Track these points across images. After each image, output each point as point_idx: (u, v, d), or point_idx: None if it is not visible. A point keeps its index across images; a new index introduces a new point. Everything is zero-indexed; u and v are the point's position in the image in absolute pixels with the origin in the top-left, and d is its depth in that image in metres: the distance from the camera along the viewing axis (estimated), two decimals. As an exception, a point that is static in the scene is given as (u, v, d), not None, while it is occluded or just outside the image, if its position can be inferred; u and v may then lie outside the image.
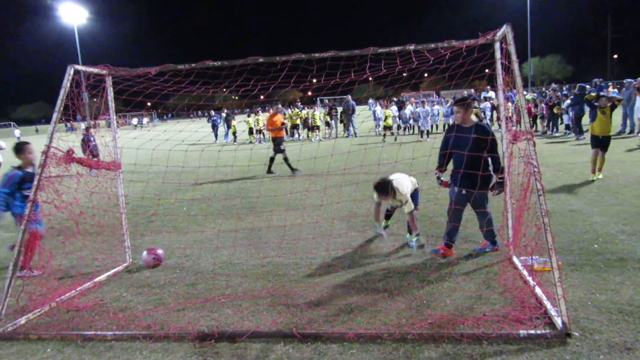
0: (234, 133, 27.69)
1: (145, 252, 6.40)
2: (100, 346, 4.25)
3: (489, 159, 5.82)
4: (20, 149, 6.46)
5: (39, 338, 4.48)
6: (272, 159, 14.09)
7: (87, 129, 15.22)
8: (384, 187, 6.18)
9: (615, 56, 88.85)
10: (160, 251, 6.48)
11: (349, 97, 25.43)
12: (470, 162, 5.67)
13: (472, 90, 26.97)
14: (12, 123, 75.10)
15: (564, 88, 24.73)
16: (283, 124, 14.76)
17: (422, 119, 22.50)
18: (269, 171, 14.06)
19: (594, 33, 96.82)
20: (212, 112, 28.81)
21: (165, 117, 60.12)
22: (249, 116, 28.24)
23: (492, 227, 6.03)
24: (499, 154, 5.82)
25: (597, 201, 8.18)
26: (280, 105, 15.23)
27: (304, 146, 21.54)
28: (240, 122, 28.41)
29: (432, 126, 24.12)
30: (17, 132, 50.53)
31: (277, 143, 13.99)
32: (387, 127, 23.32)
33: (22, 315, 4.93)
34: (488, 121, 22.05)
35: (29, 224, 5.12)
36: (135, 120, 59.81)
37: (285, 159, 13.95)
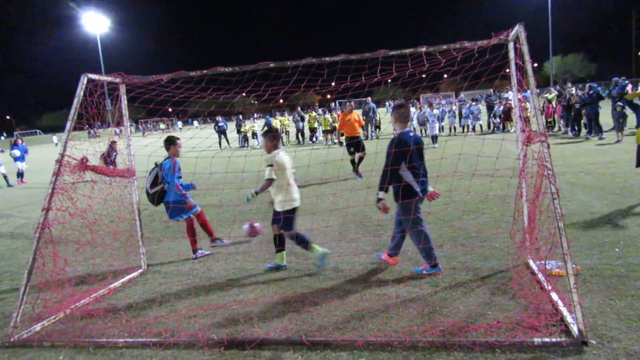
0: (245, 138, 28.58)
1: (246, 225, 6.65)
2: (112, 353, 4.27)
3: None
4: (171, 141, 7.02)
5: (52, 345, 4.53)
6: (352, 162, 13.48)
7: (113, 142, 15.31)
8: None
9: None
10: (257, 224, 6.69)
11: (369, 99, 25.27)
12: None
13: (491, 90, 26.54)
14: (37, 131, 76.92)
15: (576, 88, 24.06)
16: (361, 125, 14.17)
17: (430, 123, 21.02)
18: (359, 175, 13.39)
19: (617, 30, 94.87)
20: (219, 118, 28.79)
21: (177, 125, 60.66)
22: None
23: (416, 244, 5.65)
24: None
25: (619, 203, 7.95)
26: (352, 103, 14.37)
27: (330, 148, 21.49)
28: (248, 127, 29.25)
29: (442, 128, 23.91)
30: (54, 138, 51.97)
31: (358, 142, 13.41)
32: None
33: (37, 322, 4.99)
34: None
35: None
36: (162, 125, 60.75)
37: (352, 161, 13.47)
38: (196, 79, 6.19)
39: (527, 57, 4.76)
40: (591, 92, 17.58)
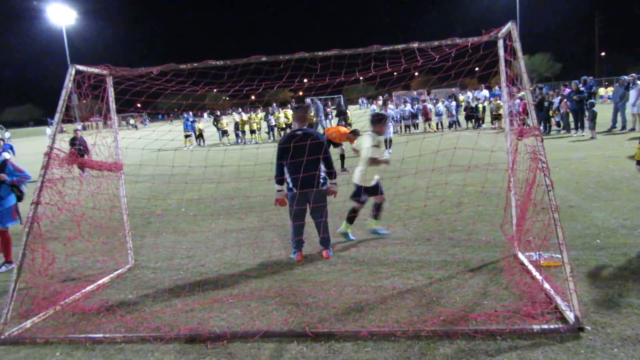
0: (200, 135, 28.36)
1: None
2: (111, 349, 4.20)
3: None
4: None
5: (46, 342, 4.43)
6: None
7: (76, 131, 15.28)
8: None
9: (603, 54, 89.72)
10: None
11: (315, 98, 24.76)
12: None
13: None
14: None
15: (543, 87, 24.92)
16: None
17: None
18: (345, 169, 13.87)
19: (581, 32, 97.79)
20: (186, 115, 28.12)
21: (148, 119, 59.31)
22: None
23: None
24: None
25: (596, 197, 8.25)
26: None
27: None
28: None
29: (416, 125, 24.15)
30: (7, 134, 49.92)
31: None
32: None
33: (27, 319, 4.87)
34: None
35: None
36: (132, 121, 59.47)
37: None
38: (186, 72, 6.12)
39: (520, 54, 4.89)
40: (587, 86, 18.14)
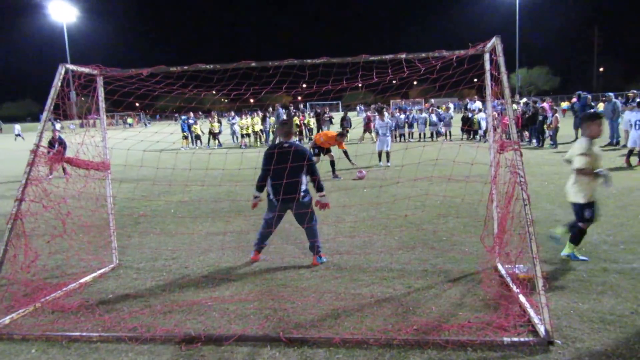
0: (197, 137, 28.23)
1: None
2: (86, 347, 4.23)
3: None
4: None
5: (23, 338, 4.45)
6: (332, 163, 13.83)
7: (54, 131, 14.88)
8: None
9: (602, 69, 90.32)
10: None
11: (278, 105, 24.63)
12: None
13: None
14: (-5, 119, 73.84)
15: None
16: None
17: (381, 137, 15.89)
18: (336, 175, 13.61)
19: (581, 46, 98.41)
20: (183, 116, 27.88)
21: (150, 119, 59.34)
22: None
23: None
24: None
25: (581, 212, 8.29)
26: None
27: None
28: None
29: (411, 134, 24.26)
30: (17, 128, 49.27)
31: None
32: None
33: (5, 315, 4.88)
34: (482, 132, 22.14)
35: None
36: (130, 120, 59.43)
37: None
38: (176, 75, 6.18)
39: (502, 69, 4.96)
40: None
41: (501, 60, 4.97)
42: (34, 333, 4.51)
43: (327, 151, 13.77)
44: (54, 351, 4.21)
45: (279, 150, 6.10)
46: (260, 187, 6.27)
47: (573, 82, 77.44)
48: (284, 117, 24.72)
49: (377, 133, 16.61)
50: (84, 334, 4.43)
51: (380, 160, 15.80)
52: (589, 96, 20.30)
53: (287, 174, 5.92)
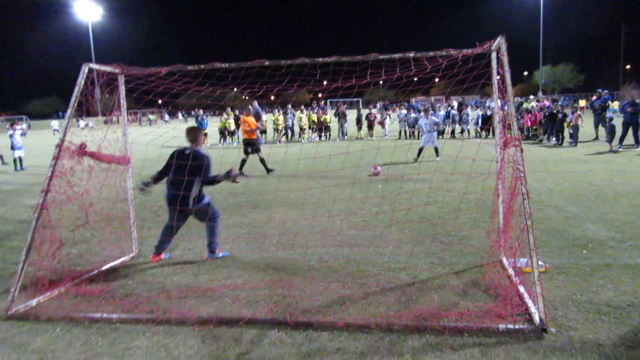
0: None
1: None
2: (106, 327, 4.54)
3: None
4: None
5: (48, 319, 4.78)
6: (244, 161, 14.43)
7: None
8: None
9: (629, 66, 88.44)
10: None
11: (255, 102, 24.49)
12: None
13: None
14: (24, 117, 75.86)
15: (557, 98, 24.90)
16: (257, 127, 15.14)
17: (426, 135, 16.13)
18: (269, 170, 14.37)
19: (606, 43, 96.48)
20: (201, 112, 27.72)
21: (171, 117, 60.28)
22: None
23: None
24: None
25: (593, 209, 8.36)
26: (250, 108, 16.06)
27: (319, 146, 21.76)
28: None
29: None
30: (54, 124, 50.53)
31: (253, 144, 14.48)
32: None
33: (33, 298, 5.23)
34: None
35: None
36: (152, 117, 60.60)
37: (244, 161, 14.43)
38: (193, 73, 6.48)
39: (506, 67, 5.10)
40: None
41: (505, 59, 5.12)
42: (59, 314, 4.84)
43: (257, 150, 14.38)
44: (76, 330, 4.52)
45: (181, 155, 6.27)
46: (155, 178, 6.43)
47: (598, 80, 76.07)
48: (261, 112, 24.36)
49: (422, 130, 16.66)
50: (105, 315, 4.74)
51: (418, 156, 15.83)
52: (608, 98, 20.05)
53: (182, 181, 6.06)
